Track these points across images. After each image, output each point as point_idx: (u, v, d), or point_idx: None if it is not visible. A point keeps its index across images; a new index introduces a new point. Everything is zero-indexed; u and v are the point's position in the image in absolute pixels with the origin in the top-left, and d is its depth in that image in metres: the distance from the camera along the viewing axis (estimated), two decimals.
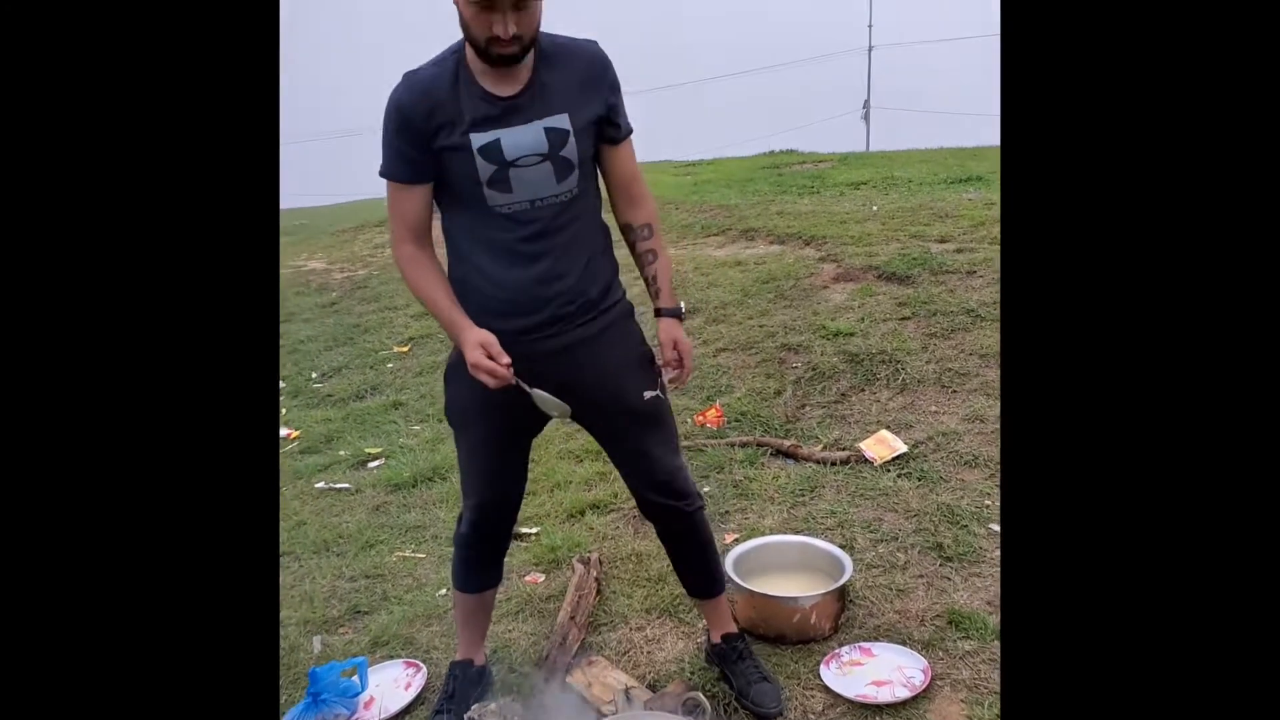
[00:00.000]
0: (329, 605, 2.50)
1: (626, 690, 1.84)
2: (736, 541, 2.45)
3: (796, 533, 2.50)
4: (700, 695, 1.73)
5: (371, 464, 3.65)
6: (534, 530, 2.79)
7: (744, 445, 3.17)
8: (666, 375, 1.75)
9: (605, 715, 1.80)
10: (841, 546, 2.34)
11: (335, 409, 4.48)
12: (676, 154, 13.14)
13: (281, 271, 8.12)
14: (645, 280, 1.75)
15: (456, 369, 1.67)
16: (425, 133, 1.52)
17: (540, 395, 1.56)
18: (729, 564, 2.18)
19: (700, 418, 3.44)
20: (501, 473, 1.79)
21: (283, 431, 4.22)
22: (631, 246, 1.74)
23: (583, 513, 2.85)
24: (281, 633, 2.36)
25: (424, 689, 2.04)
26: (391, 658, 2.19)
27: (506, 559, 2.58)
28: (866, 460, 2.94)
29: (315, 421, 4.31)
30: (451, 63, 1.54)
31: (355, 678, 1.99)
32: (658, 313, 1.74)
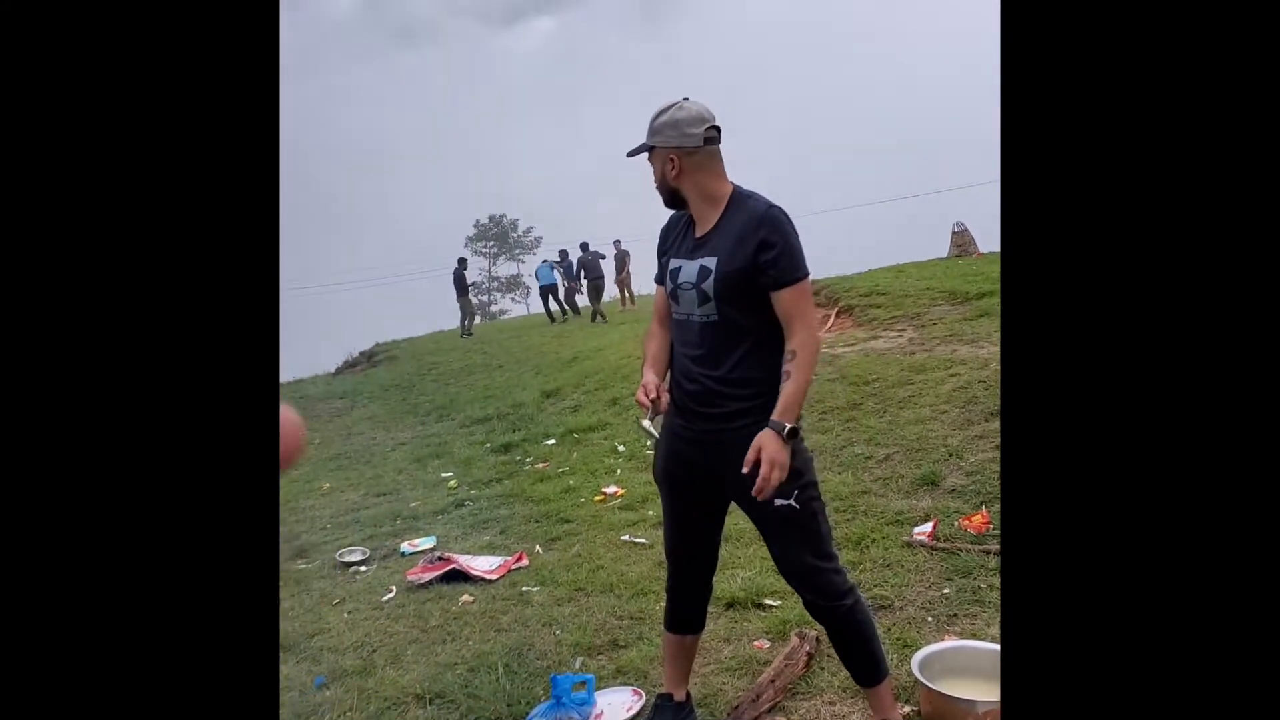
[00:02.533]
0: (596, 635, 3.07)
1: None
2: None
3: None
4: None
5: None
6: (775, 603, 3.10)
7: (1000, 554, 3.17)
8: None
9: None
10: None
11: None
12: None
13: None
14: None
15: (658, 442, 2.18)
16: (661, 250, 2.18)
17: (642, 424, 1.95)
18: (915, 663, 2.33)
19: (966, 521, 3.48)
20: (681, 535, 2.21)
21: (611, 489, 5.02)
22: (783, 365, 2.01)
23: None
24: (553, 651, 2.98)
25: (639, 713, 2.49)
26: (626, 685, 2.67)
27: (745, 624, 2.98)
28: None
29: (639, 484, 5.04)
30: None
31: (584, 691, 2.51)
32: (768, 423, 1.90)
